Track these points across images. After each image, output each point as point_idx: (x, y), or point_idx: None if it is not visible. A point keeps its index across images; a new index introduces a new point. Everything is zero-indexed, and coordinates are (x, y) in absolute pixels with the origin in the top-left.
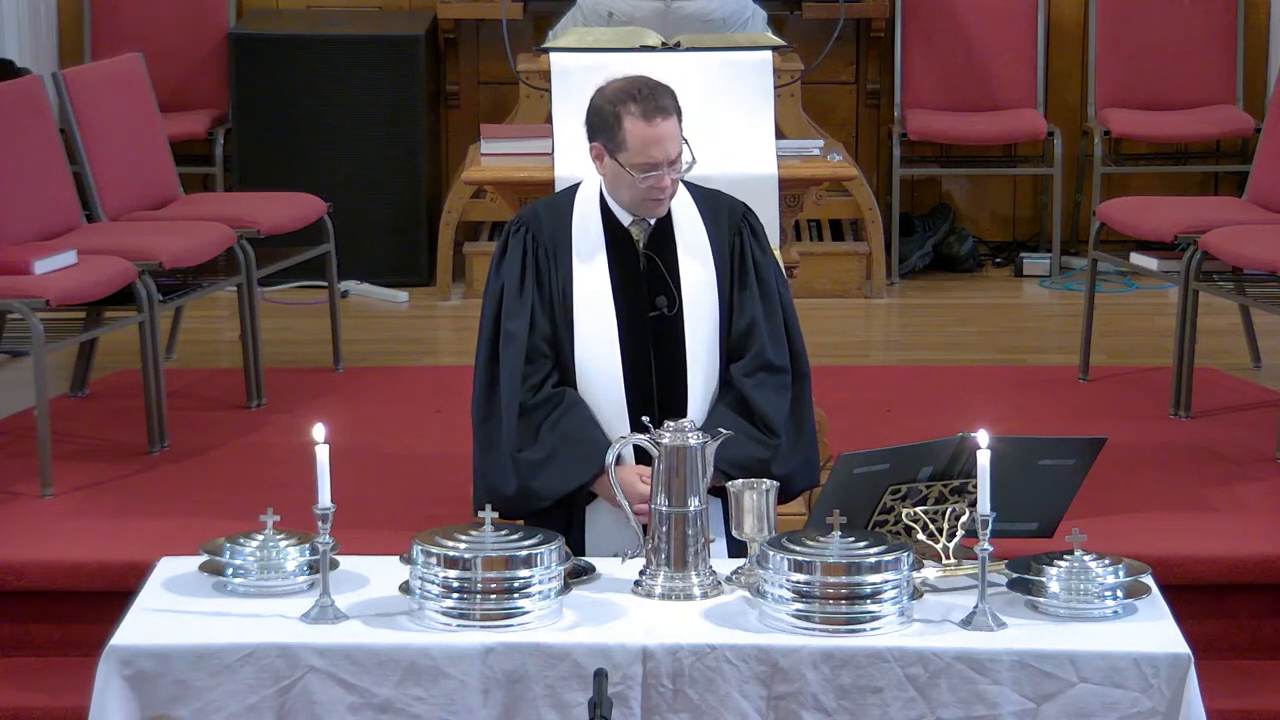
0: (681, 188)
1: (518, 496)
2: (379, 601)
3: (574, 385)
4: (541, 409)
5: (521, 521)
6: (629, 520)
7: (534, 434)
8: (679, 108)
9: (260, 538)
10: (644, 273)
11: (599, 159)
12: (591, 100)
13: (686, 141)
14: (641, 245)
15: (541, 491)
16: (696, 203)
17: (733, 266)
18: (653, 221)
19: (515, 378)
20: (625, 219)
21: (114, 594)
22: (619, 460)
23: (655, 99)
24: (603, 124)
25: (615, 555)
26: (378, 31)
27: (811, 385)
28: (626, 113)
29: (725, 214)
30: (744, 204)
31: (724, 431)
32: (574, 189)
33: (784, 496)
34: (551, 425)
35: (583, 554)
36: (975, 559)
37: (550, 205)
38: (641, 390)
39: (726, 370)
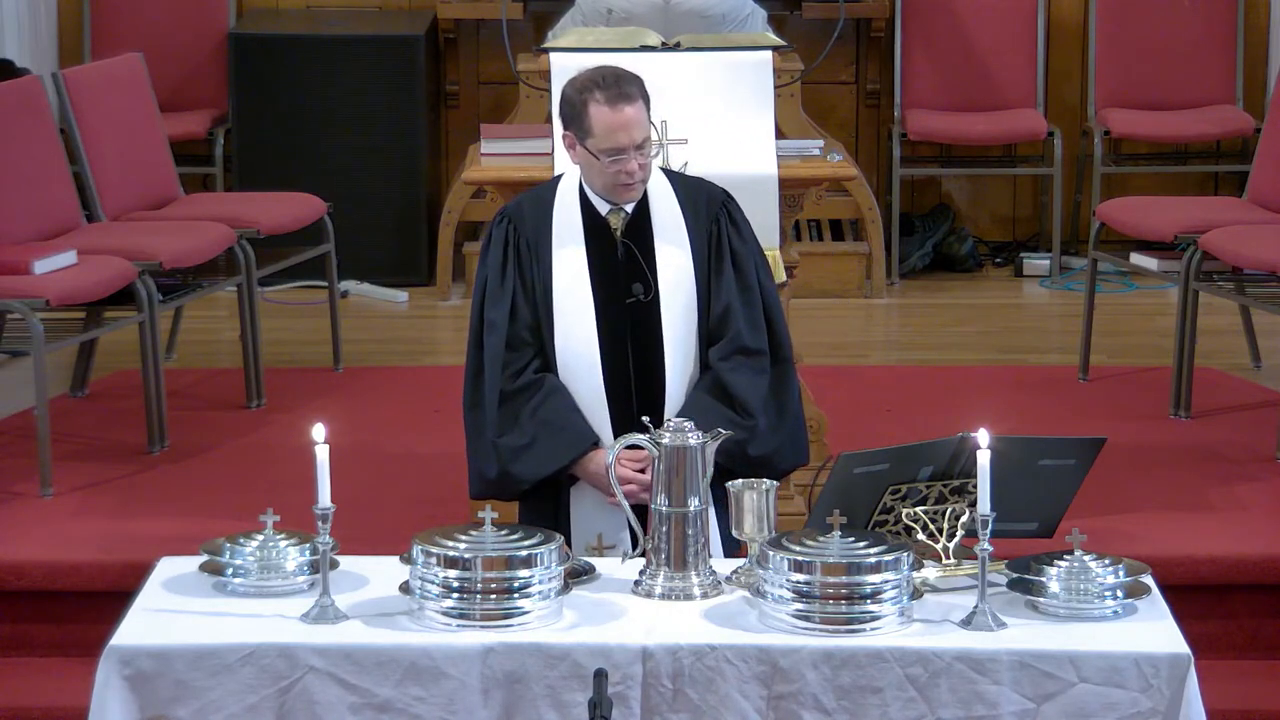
0: (662, 176)
1: (499, 480)
2: (379, 601)
3: (557, 372)
4: (522, 395)
5: (518, 506)
6: (629, 519)
7: (515, 420)
8: (646, 95)
9: (260, 538)
10: (621, 261)
11: (571, 147)
12: (562, 91)
13: (654, 126)
14: (619, 233)
15: (521, 475)
16: (676, 191)
17: (710, 253)
18: (630, 210)
19: (496, 365)
20: (603, 208)
21: (114, 594)
22: (597, 446)
23: (620, 86)
24: (572, 112)
25: (599, 536)
26: (378, 31)
27: (796, 370)
28: (592, 100)
29: (704, 202)
30: (725, 191)
31: (724, 432)
32: (556, 180)
33: (771, 475)
34: (531, 411)
35: (569, 535)
36: (975, 559)
37: (533, 197)
38: (620, 376)
39: (706, 355)
